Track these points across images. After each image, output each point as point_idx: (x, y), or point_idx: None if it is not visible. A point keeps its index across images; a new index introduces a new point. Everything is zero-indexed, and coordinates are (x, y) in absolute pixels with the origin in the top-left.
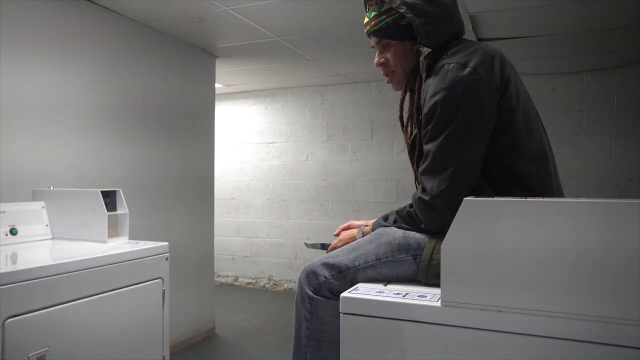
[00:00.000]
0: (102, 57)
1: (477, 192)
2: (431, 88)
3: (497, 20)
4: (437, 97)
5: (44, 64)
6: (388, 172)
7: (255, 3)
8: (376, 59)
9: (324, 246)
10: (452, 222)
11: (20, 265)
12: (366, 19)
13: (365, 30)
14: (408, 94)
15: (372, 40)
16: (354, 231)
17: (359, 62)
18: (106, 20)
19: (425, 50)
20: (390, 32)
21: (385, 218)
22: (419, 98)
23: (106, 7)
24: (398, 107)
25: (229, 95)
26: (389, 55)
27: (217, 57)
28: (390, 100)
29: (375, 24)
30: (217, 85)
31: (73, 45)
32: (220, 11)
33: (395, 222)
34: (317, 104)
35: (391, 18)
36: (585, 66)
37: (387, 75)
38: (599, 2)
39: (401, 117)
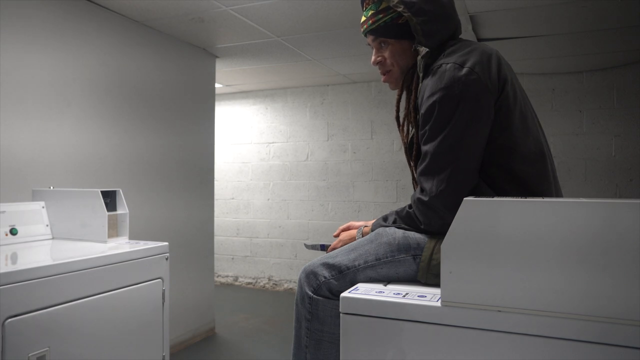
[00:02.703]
0: (102, 56)
1: (476, 192)
2: (429, 88)
3: (497, 20)
4: (434, 97)
5: (44, 63)
6: (388, 172)
7: (255, 3)
8: (373, 58)
9: (323, 247)
10: (452, 222)
11: (20, 265)
12: (363, 18)
13: (362, 29)
14: (405, 93)
15: (369, 39)
16: (353, 232)
17: (359, 62)
18: (106, 20)
19: (423, 50)
20: (387, 30)
21: (385, 218)
22: (416, 97)
23: (106, 7)
24: (394, 107)
25: (229, 95)
26: (386, 53)
27: (217, 57)
28: (390, 100)
29: (373, 23)
30: (217, 85)
31: (73, 45)
32: (220, 11)
33: (394, 222)
34: (317, 104)
35: (389, 16)
36: (585, 66)
37: (384, 74)
38: (599, 2)
39: (397, 117)
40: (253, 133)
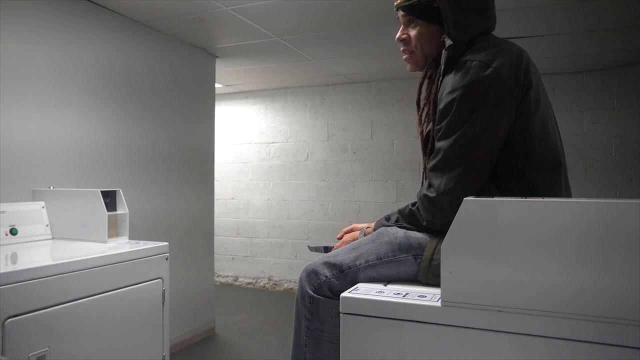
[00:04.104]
0: (102, 56)
1: (485, 194)
2: (450, 84)
3: (497, 20)
4: (455, 94)
5: (44, 64)
6: (388, 172)
7: (255, 3)
8: (398, 34)
9: (326, 249)
10: (452, 222)
11: (20, 265)
12: None
13: (395, 3)
14: (427, 81)
15: (399, 14)
16: (356, 234)
17: (359, 62)
18: (106, 20)
19: (448, 42)
20: (420, 11)
21: (388, 218)
22: (437, 89)
23: (106, 7)
24: (417, 90)
25: (229, 95)
26: (412, 33)
27: (217, 57)
28: (390, 100)
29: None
30: (217, 85)
31: (73, 45)
32: (220, 11)
33: (397, 221)
34: (317, 104)
35: None
36: (585, 66)
37: (406, 53)
38: (599, 2)
39: (418, 101)
40: (253, 133)
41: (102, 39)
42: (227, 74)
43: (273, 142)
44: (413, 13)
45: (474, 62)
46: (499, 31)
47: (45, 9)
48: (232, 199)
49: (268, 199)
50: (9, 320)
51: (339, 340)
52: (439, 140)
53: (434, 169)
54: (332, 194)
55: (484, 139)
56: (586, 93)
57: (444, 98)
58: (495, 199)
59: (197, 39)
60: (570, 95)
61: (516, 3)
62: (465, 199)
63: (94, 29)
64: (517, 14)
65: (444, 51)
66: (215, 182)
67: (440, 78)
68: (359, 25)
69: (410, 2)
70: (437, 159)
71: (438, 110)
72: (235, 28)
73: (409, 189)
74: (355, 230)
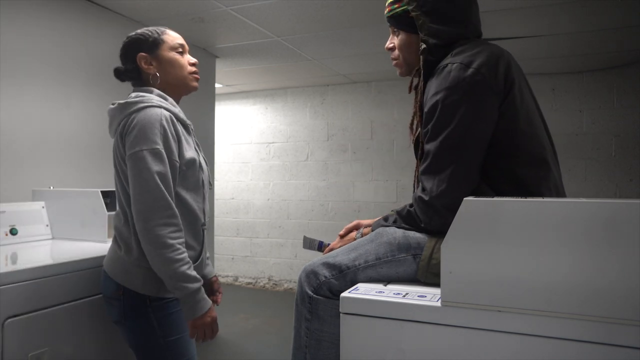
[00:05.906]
0: (102, 56)
1: (477, 193)
2: (433, 87)
3: (497, 20)
4: (437, 97)
5: (44, 62)
6: (388, 172)
7: (255, 3)
8: (387, 43)
9: (321, 245)
10: (452, 222)
11: (20, 265)
12: (387, 2)
13: (385, 13)
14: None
15: (388, 24)
16: (353, 234)
17: (359, 62)
18: (107, 20)
19: (422, 46)
20: (399, 21)
21: (386, 218)
22: (422, 96)
23: (106, 7)
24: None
25: (229, 95)
26: (396, 42)
27: (217, 57)
28: (390, 100)
29: (389, 11)
30: (217, 85)
31: (73, 45)
32: (220, 11)
33: (395, 222)
34: (317, 104)
35: (401, 9)
36: (585, 66)
37: (393, 61)
38: (599, 2)
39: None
40: (253, 133)
41: (103, 39)
42: (227, 74)
43: (273, 142)
44: (393, 24)
45: (455, 65)
46: (500, 31)
47: (46, 7)
48: (232, 199)
49: (268, 199)
50: (9, 320)
51: (339, 340)
52: (426, 143)
53: (424, 172)
54: (332, 194)
55: (470, 139)
56: (586, 93)
57: (428, 101)
58: (495, 198)
59: (197, 39)
60: (570, 95)
61: (516, 3)
62: (465, 199)
63: (95, 29)
64: (517, 14)
65: (420, 55)
66: (215, 182)
67: (423, 83)
68: (359, 25)
69: (392, 13)
70: (427, 162)
71: (424, 114)
72: (235, 28)
73: (409, 189)
74: (360, 227)
